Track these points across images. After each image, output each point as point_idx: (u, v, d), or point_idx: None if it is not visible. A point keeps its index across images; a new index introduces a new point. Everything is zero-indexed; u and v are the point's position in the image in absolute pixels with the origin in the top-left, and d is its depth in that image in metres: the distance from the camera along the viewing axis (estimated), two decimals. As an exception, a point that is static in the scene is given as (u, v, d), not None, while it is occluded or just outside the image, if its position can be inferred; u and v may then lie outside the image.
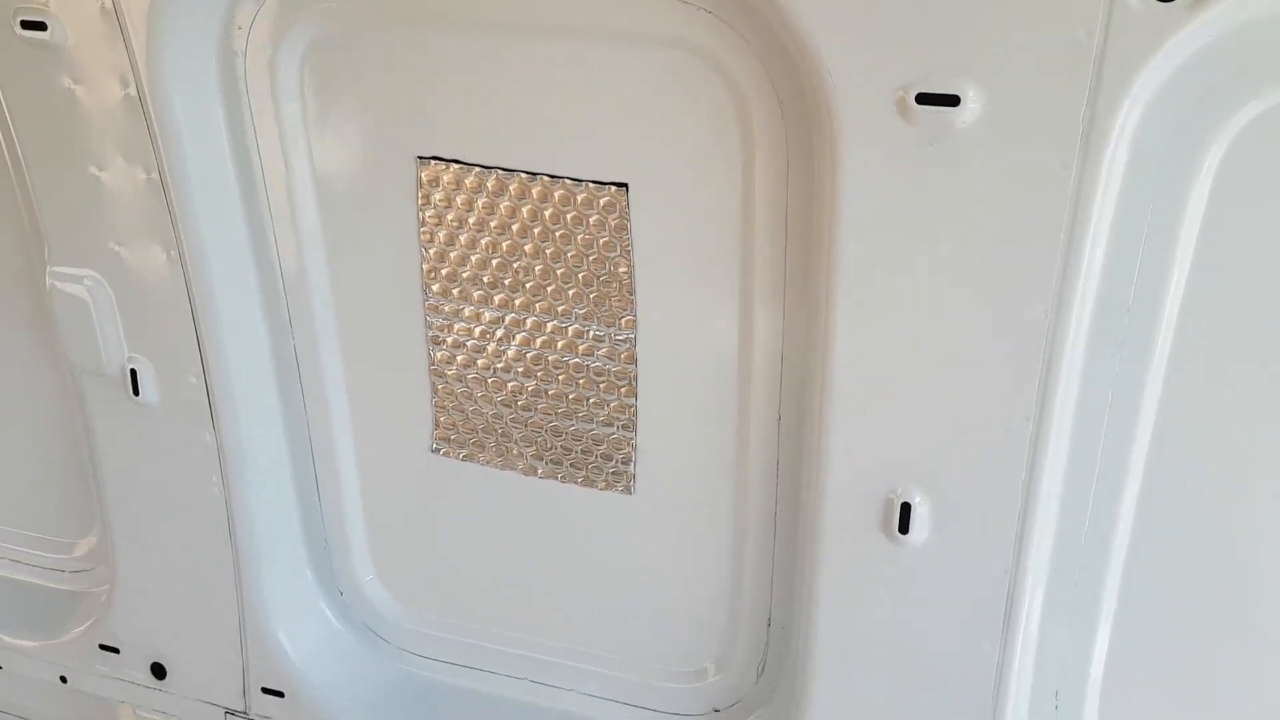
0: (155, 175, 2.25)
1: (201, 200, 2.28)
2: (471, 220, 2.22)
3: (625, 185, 2.08)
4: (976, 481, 1.96)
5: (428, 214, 2.24)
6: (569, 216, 2.14)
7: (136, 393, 2.50)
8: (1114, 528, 2.00)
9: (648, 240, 2.12)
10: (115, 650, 2.88)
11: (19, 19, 2.17)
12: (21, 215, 2.57)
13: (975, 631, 2.06)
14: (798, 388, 2.14)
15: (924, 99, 1.69)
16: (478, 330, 2.33)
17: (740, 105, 1.94)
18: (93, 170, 2.30)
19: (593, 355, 2.27)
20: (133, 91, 2.17)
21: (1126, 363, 1.87)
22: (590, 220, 2.13)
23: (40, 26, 2.16)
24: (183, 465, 2.57)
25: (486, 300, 2.29)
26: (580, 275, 2.20)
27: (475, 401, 2.41)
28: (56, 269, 2.45)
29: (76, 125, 2.26)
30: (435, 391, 2.43)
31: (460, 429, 2.46)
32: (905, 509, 2.00)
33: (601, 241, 2.15)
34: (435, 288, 2.32)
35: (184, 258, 2.33)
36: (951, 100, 1.67)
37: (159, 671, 2.86)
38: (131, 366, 2.48)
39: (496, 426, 2.42)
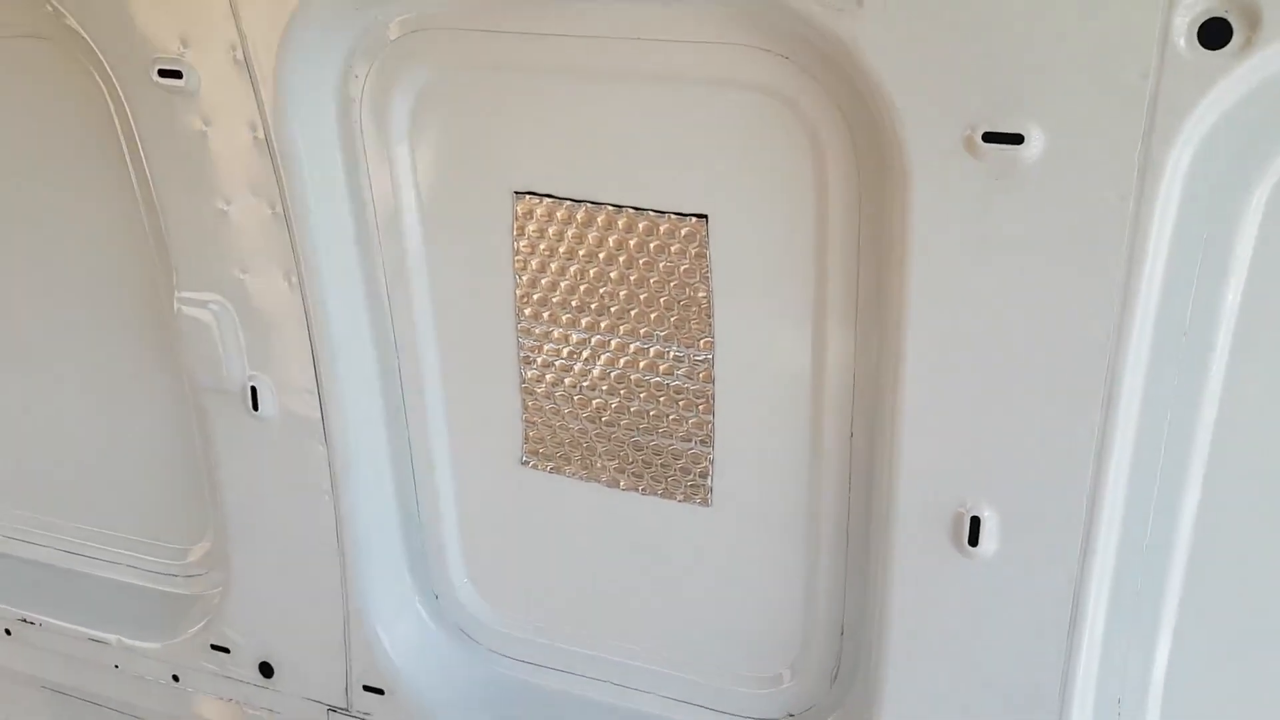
0: (278, 209, 2.34)
1: (319, 231, 2.37)
2: (562, 249, 2.30)
3: (705, 216, 2.14)
4: (1043, 496, 1.97)
5: (522, 244, 2.33)
6: (652, 246, 2.21)
7: (256, 408, 2.58)
8: (1174, 539, 2.01)
9: (726, 267, 2.18)
10: (226, 650, 2.94)
11: (156, 68, 2.27)
12: (149, 244, 2.64)
13: (1041, 640, 2.08)
14: (869, 406, 2.17)
15: (990, 137, 1.73)
16: (565, 351, 2.40)
17: (814, 142, 1.99)
18: (220, 204, 2.40)
19: (673, 374, 2.33)
20: (260, 134, 2.27)
21: (1185, 381, 1.89)
22: (672, 249, 2.20)
23: (176, 75, 2.26)
24: (296, 475, 2.64)
25: (574, 323, 2.37)
26: (662, 300, 2.26)
27: (562, 417, 2.48)
28: (184, 294, 2.54)
29: (206, 164, 2.35)
30: (525, 407, 2.51)
31: (548, 443, 2.52)
32: (975, 522, 2.02)
33: (682, 269, 2.21)
34: (527, 311, 2.40)
35: (302, 283, 2.42)
36: (1016, 139, 1.72)
37: (267, 670, 2.92)
38: (252, 384, 2.57)
39: (582, 441, 2.49)
